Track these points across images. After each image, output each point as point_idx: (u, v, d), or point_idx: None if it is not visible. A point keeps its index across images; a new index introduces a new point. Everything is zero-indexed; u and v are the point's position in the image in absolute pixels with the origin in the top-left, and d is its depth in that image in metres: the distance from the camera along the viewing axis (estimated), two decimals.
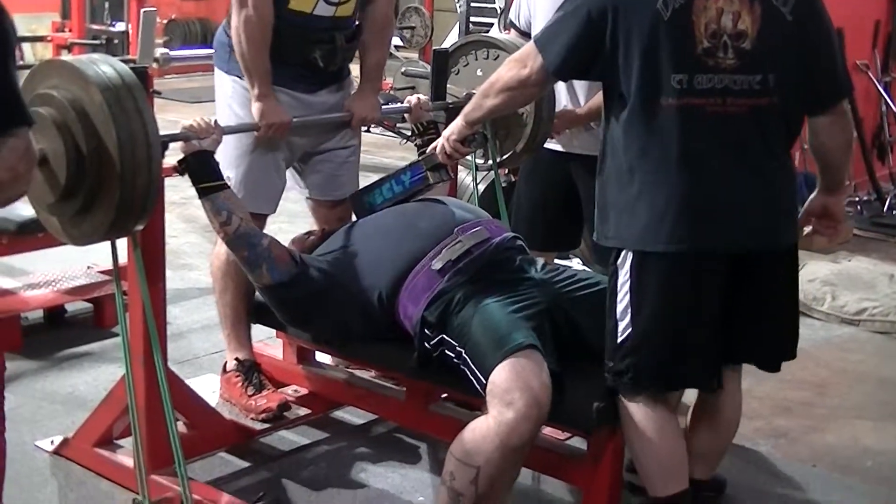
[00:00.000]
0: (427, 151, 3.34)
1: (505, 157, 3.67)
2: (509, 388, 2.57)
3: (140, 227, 2.71)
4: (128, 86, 2.58)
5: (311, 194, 3.62)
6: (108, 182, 2.56)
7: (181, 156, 2.97)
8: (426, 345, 2.87)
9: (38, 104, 2.56)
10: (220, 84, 3.46)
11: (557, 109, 3.68)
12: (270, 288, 3.05)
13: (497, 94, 2.90)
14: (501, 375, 2.60)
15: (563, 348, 2.82)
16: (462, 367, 2.76)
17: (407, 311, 2.94)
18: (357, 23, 3.46)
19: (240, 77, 3.35)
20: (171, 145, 2.86)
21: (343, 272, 3.04)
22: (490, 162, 3.70)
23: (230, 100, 3.40)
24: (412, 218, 3.13)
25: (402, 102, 3.72)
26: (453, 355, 2.79)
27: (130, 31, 8.80)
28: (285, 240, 3.24)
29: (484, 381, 2.65)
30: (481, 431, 2.58)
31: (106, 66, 2.60)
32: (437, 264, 2.92)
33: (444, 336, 2.82)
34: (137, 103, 2.57)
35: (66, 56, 2.67)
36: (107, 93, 2.53)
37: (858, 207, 7.04)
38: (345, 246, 3.11)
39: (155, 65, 5.57)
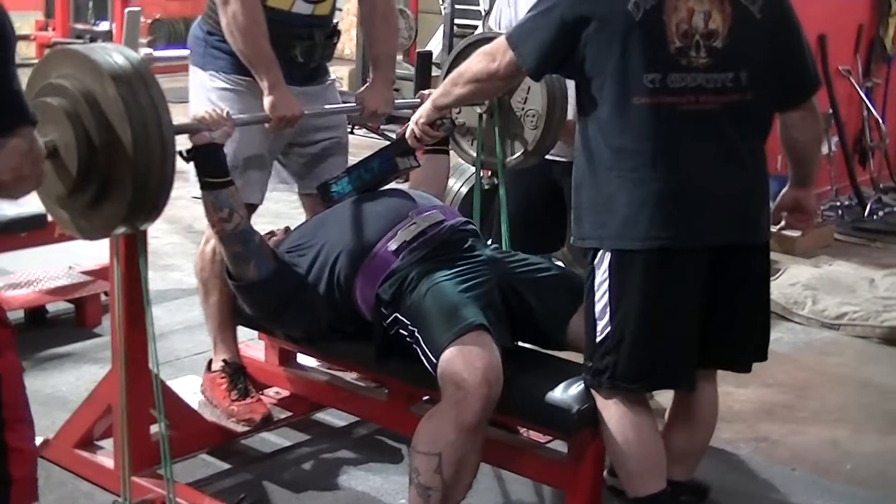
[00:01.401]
0: (396, 136, 3.34)
1: (514, 157, 3.64)
2: (457, 371, 2.64)
3: (150, 224, 2.70)
4: (143, 79, 2.54)
5: (302, 189, 3.61)
6: (120, 176, 2.53)
7: (189, 145, 2.92)
8: (382, 324, 2.92)
9: (50, 93, 2.53)
10: (196, 80, 3.43)
11: None
12: (253, 284, 3.05)
13: (465, 85, 2.94)
14: (449, 358, 2.67)
15: (515, 324, 2.94)
16: (415, 346, 2.81)
17: (364, 294, 2.99)
18: (336, 22, 3.46)
19: (216, 72, 3.34)
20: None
21: (308, 265, 3.06)
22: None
23: (209, 93, 3.36)
24: (370, 205, 3.18)
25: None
26: (406, 334, 2.85)
27: (114, 31, 8.79)
28: None
29: (434, 362, 2.71)
30: (436, 418, 2.67)
31: (120, 58, 2.56)
32: (392, 245, 2.99)
33: (398, 315, 2.88)
34: (153, 98, 2.54)
35: (78, 45, 2.64)
36: (122, 87, 2.50)
37: (840, 212, 7.07)
38: (308, 239, 3.14)
39: None
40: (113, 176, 2.54)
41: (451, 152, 3.65)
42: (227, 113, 2.97)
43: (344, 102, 3.62)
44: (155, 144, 2.52)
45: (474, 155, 3.66)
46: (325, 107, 3.43)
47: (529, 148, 3.56)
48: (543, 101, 3.46)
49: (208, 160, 2.92)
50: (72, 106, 2.51)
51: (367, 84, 3.55)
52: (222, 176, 2.94)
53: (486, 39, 3.71)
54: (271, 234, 3.34)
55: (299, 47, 3.33)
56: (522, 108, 3.52)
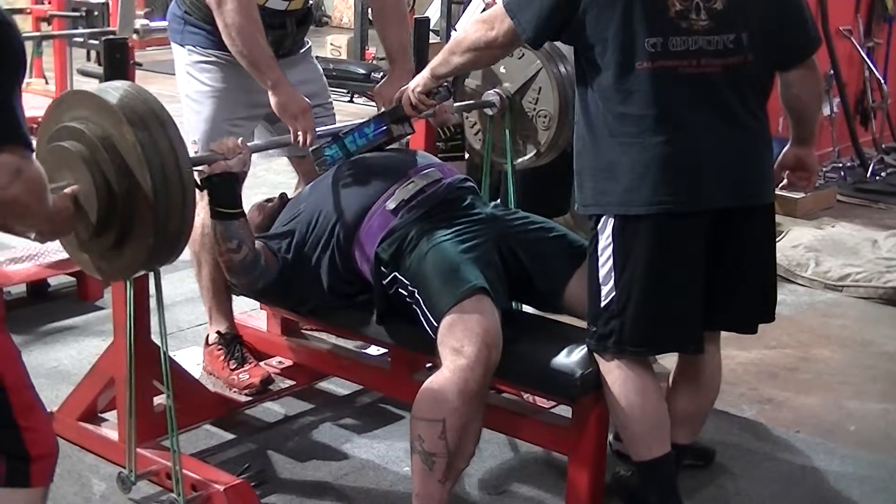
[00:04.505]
0: (393, 102, 3.33)
1: (527, 157, 3.61)
2: (458, 337, 2.65)
3: (169, 263, 2.67)
4: (161, 122, 2.49)
5: (293, 152, 3.60)
6: (140, 222, 2.48)
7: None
8: (381, 283, 2.94)
9: (66, 137, 2.47)
10: (177, 56, 3.44)
11: None
12: (259, 290, 3.10)
13: (463, 53, 2.92)
14: (449, 324, 2.68)
15: (512, 284, 2.96)
16: (414, 306, 2.83)
17: (364, 253, 3.00)
18: (310, 5, 3.43)
19: (194, 46, 3.35)
20: None
21: (308, 232, 3.07)
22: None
23: (188, 68, 3.38)
24: (368, 166, 3.18)
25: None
26: (406, 294, 2.87)
27: (110, 3, 8.73)
28: None
29: (435, 325, 2.72)
30: (438, 384, 2.66)
31: (136, 100, 2.50)
32: (391, 204, 3.01)
33: (398, 274, 2.90)
34: (171, 142, 2.49)
35: (93, 88, 2.57)
36: (140, 132, 2.44)
37: (842, 173, 7.05)
38: (306, 206, 3.14)
39: (135, 36, 5.52)
40: (133, 221, 2.49)
41: None
42: (242, 140, 2.91)
43: (344, 69, 3.61)
44: (175, 190, 2.48)
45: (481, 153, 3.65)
46: (334, 127, 3.42)
47: (542, 149, 3.55)
48: (556, 102, 3.44)
49: (222, 190, 2.87)
50: (89, 152, 2.44)
51: (385, 78, 3.52)
52: (235, 207, 2.90)
53: None
54: (268, 200, 3.34)
55: (271, 37, 3.30)
56: (534, 109, 3.50)
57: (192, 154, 2.99)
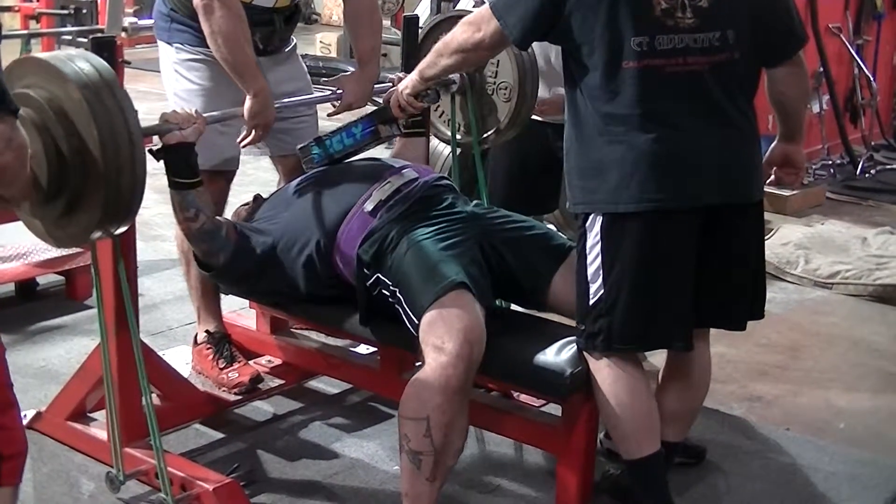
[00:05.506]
0: (381, 103, 3.32)
1: (488, 133, 3.61)
2: (439, 333, 2.65)
3: (125, 228, 2.65)
4: (106, 82, 2.48)
5: (276, 152, 3.59)
6: (91, 182, 2.47)
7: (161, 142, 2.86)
8: (365, 285, 2.94)
9: None
10: (164, 54, 3.43)
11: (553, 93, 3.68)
12: (221, 268, 3.07)
13: (451, 55, 2.92)
14: (430, 321, 2.68)
15: (495, 282, 2.95)
16: (397, 306, 2.83)
17: (344, 256, 3.00)
18: (297, 1, 3.43)
19: (182, 44, 3.34)
20: None
21: (282, 232, 3.07)
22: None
23: (175, 66, 3.37)
24: (344, 171, 3.21)
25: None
26: (388, 294, 2.87)
27: (99, 0, 8.72)
28: None
29: (416, 322, 2.72)
30: (421, 382, 2.65)
31: (83, 63, 2.50)
32: (368, 206, 3.02)
33: (380, 275, 2.90)
34: (118, 99, 2.47)
35: (40, 53, 2.58)
36: (86, 90, 2.43)
37: (831, 171, 7.06)
38: (282, 206, 3.16)
39: (124, 34, 5.51)
40: (84, 183, 2.48)
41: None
42: (196, 110, 2.90)
43: (333, 67, 3.59)
44: (124, 146, 2.46)
45: (447, 133, 3.64)
46: (299, 98, 3.42)
47: (506, 121, 3.53)
48: (515, 73, 3.43)
49: (178, 160, 2.85)
50: (38, 115, 2.44)
51: (351, 74, 3.51)
52: (192, 177, 2.89)
53: (452, 19, 3.68)
54: (244, 205, 3.34)
55: (259, 34, 3.30)
56: (494, 83, 3.49)
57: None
